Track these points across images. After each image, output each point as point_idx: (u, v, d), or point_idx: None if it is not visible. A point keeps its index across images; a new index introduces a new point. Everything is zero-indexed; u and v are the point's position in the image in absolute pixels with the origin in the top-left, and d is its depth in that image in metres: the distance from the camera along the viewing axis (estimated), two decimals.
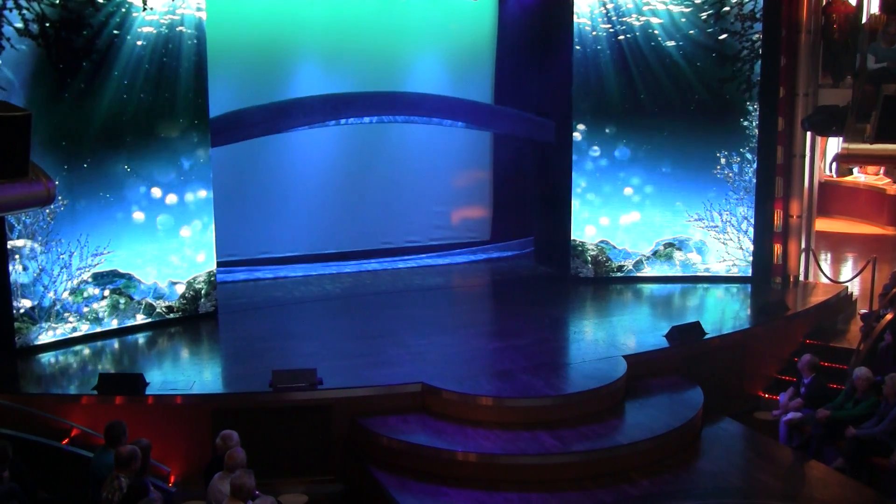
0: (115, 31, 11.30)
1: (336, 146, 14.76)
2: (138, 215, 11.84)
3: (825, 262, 15.40)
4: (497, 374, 10.49)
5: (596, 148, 13.90)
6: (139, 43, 11.49)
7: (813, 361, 10.61)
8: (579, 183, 13.97)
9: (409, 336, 11.89)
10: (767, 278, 13.92)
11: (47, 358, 11.03)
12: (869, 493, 9.08)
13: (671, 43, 13.54)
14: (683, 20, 13.46)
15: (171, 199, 12.06)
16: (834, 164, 18.30)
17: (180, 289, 12.21)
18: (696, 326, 11.63)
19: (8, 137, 8.06)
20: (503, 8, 15.35)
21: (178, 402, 9.89)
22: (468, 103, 14.59)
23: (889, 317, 11.11)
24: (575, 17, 13.60)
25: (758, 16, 13.39)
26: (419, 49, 15.07)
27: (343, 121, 13.56)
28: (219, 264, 12.70)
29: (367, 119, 13.70)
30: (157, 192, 11.94)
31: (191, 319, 12.29)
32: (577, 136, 13.83)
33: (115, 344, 11.57)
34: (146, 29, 11.53)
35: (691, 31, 13.48)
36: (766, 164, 13.72)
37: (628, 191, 13.98)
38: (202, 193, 12.29)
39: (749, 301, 13.41)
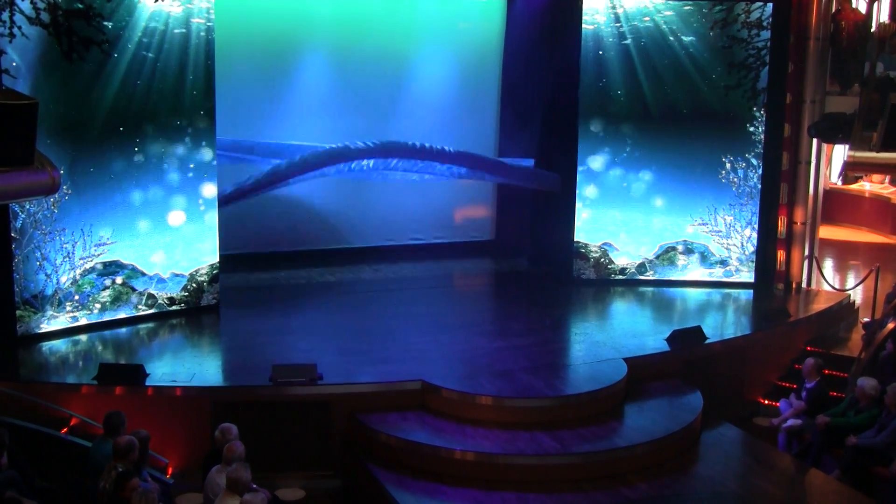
0: (125, 22, 11.29)
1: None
2: (142, 206, 11.82)
3: (828, 269, 15.36)
4: (497, 374, 10.48)
5: (601, 150, 13.89)
6: (148, 34, 11.48)
7: (817, 364, 10.57)
8: (583, 184, 13.95)
9: (410, 334, 11.89)
10: (770, 284, 13.89)
11: (48, 346, 11.04)
12: (867, 503, 9.06)
13: (679, 47, 13.51)
14: (693, 23, 13.44)
15: (176, 191, 12.05)
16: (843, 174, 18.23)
17: (182, 281, 12.22)
18: (698, 331, 11.62)
19: (14, 125, 8.07)
20: (512, 7, 15.32)
21: (178, 394, 9.91)
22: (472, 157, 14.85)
23: (891, 326, 11.08)
24: (583, 19, 13.58)
25: (765, 24, 13.36)
26: (427, 47, 15.02)
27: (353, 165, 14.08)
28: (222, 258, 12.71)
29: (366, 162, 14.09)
30: (161, 184, 11.93)
31: (192, 312, 12.29)
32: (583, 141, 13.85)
33: (117, 334, 11.57)
34: (155, 20, 11.51)
35: (699, 36, 13.45)
36: (771, 170, 13.69)
37: (632, 193, 13.96)
38: (207, 186, 12.27)
39: (751, 307, 13.38)
